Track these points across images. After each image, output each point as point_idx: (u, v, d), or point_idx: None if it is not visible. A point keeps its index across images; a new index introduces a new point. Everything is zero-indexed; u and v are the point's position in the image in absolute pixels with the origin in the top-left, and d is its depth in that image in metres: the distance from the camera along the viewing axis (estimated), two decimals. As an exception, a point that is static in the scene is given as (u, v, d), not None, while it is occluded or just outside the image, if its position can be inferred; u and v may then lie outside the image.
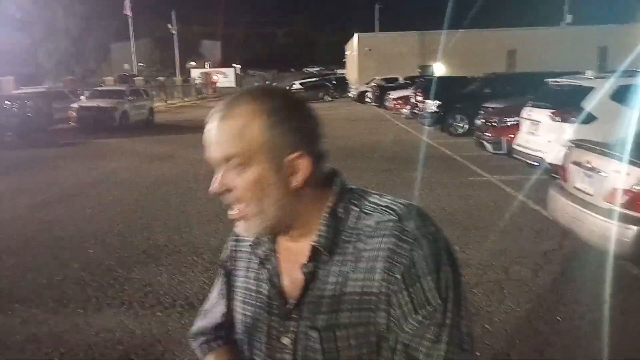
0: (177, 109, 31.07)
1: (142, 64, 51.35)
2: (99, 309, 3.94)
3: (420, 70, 36.76)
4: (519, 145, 8.06)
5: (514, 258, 4.71)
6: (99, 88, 23.25)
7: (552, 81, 8.16)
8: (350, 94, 35.57)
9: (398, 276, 0.83)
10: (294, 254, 0.94)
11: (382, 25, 50.14)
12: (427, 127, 14.82)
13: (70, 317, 3.83)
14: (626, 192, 3.77)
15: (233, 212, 0.91)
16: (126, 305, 3.99)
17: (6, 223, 6.39)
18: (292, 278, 0.93)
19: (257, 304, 0.97)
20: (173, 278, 4.51)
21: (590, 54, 35.79)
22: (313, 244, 0.89)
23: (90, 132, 16.66)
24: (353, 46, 46.01)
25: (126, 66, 50.98)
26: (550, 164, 6.68)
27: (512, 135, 8.73)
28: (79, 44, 38.66)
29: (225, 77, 56.05)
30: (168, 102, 34.28)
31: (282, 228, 0.92)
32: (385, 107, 24.33)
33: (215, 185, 0.90)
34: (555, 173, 5.55)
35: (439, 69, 35.13)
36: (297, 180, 0.88)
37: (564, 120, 7.04)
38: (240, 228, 0.93)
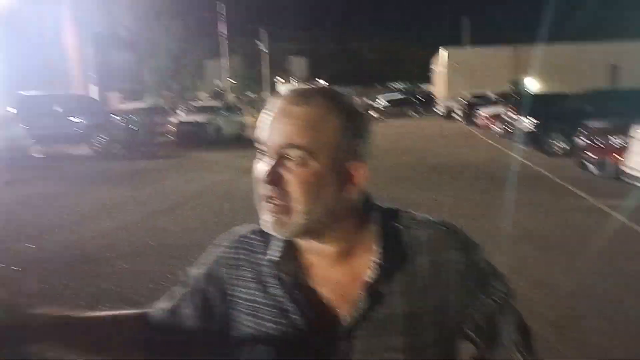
0: (266, 123, 32.02)
1: (232, 80, 53.70)
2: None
3: (512, 86, 35.45)
4: (628, 167, 7.54)
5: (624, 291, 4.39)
6: (195, 104, 24.60)
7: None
8: (436, 111, 34.99)
9: (471, 283, 0.89)
10: (335, 271, 0.90)
11: (470, 39, 49.05)
12: (521, 146, 14.23)
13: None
14: None
15: (271, 205, 0.84)
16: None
17: (120, 231, 6.88)
18: (334, 297, 0.88)
19: (281, 321, 0.89)
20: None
21: None
22: (376, 261, 0.86)
23: (188, 145, 17.66)
24: (440, 61, 45.32)
25: (217, 82, 53.52)
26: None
27: (620, 157, 8.18)
28: (176, 62, 41.22)
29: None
30: (257, 117, 35.48)
31: (315, 235, 0.87)
32: (474, 124, 23.66)
33: (267, 172, 0.83)
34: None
35: (532, 84, 33.70)
36: (352, 190, 0.87)
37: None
38: (270, 224, 0.86)
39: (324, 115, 0.84)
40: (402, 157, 13.73)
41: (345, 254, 0.90)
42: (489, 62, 40.02)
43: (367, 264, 0.87)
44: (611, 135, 9.17)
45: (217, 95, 38.69)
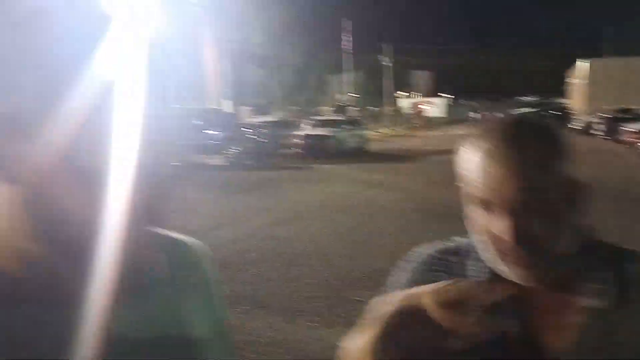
0: (388, 137, 32.04)
1: (354, 94, 54.56)
2: (329, 325, 4.15)
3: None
4: None
5: None
6: (319, 117, 25.32)
7: None
8: (574, 126, 32.52)
9: None
10: (545, 295, 0.83)
11: (606, 50, 45.03)
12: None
13: (302, 328, 4.11)
14: None
15: (520, 259, 0.78)
16: (353, 325, 4.13)
17: (248, 237, 7.21)
18: (541, 320, 0.83)
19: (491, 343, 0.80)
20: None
21: None
22: (600, 289, 0.80)
23: (312, 157, 18.19)
24: (579, 73, 42.14)
25: (338, 96, 54.73)
26: None
27: None
28: (302, 77, 42.86)
29: (435, 107, 56.27)
30: (380, 131, 35.62)
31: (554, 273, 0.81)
32: (617, 141, 21.62)
33: (512, 229, 0.75)
34: None
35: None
36: (581, 217, 0.81)
37: None
38: (521, 277, 0.79)
39: (554, 152, 0.77)
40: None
41: (560, 280, 0.83)
42: (635, 74, 36.41)
43: (586, 292, 0.81)
44: None
45: (340, 109, 39.45)
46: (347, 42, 43.98)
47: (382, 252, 6.17)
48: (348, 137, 20.95)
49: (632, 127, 20.35)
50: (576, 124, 31.99)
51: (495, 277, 0.83)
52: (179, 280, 0.76)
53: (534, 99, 74.26)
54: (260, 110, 30.04)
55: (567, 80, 51.75)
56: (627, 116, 24.45)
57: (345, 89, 49.83)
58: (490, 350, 0.81)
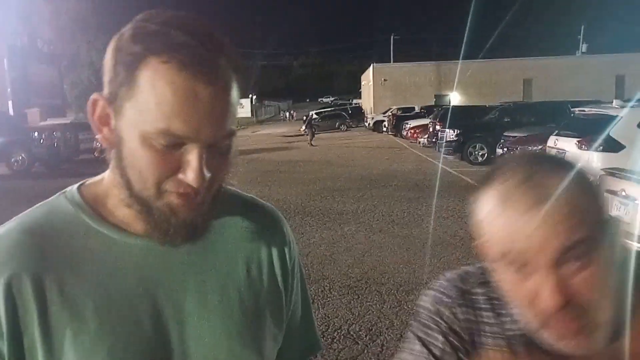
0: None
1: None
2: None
3: (436, 100, 37.01)
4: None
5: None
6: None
7: (578, 110, 8.22)
8: (366, 124, 35.88)
9: None
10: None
11: (398, 55, 50.84)
12: (445, 156, 14.87)
13: None
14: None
15: (571, 330, 0.67)
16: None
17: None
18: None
19: None
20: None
21: (608, 82, 35.78)
22: None
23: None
24: (369, 76, 46.59)
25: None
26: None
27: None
28: (100, 76, 39.70)
29: (242, 108, 56.87)
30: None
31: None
32: (402, 136, 24.47)
33: (552, 293, 0.65)
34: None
35: (455, 98, 35.36)
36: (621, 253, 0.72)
37: (591, 148, 7.06)
38: (571, 347, 0.68)
39: (584, 198, 0.68)
40: (336, 170, 13.93)
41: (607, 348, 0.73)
42: (415, 77, 41.54)
43: None
44: (529, 145, 9.80)
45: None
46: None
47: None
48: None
49: (412, 123, 23.22)
50: (368, 122, 35.36)
51: (529, 340, 0.74)
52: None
53: (333, 99, 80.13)
54: (52, 112, 27.02)
55: (362, 83, 56.84)
56: (408, 114, 27.78)
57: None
58: None
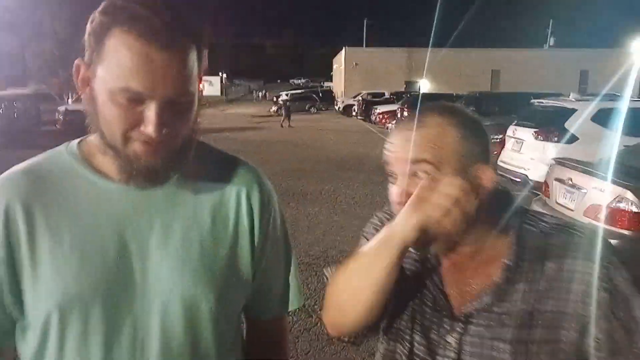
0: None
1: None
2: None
3: (405, 86, 37.29)
4: (503, 162, 8.32)
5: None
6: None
7: (536, 102, 8.47)
8: (336, 107, 35.89)
9: (599, 300, 0.86)
10: (465, 268, 0.96)
11: (370, 40, 50.82)
12: (412, 142, 15.08)
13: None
14: (605, 208, 3.99)
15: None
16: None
17: None
18: (462, 288, 0.96)
19: (419, 300, 1.00)
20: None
21: (572, 76, 36.80)
22: (506, 262, 0.91)
23: (76, 135, 16.53)
24: (340, 60, 46.51)
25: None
26: (533, 180, 6.93)
27: (497, 153, 9.00)
28: (64, 47, 38.41)
29: (211, 86, 56.02)
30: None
31: (454, 243, 0.94)
32: (371, 121, 24.60)
33: (397, 193, 0.91)
34: (538, 189, 5.79)
35: (425, 85, 35.72)
36: (482, 193, 0.90)
37: (546, 139, 7.31)
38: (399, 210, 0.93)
39: (441, 131, 0.89)
40: (303, 151, 14.00)
41: (475, 252, 0.95)
42: (386, 63, 41.67)
43: (497, 263, 0.92)
44: (490, 134, 10.03)
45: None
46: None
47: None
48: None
49: (381, 109, 23.37)
50: (338, 106, 35.34)
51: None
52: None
53: (304, 81, 79.63)
54: (13, 81, 26.13)
55: (334, 66, 56.68)
56: (378, 99, 27.92)
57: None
58: (413, 298, 1.00)
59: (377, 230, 0.97)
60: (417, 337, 0.98)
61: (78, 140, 0.97)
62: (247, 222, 0.97)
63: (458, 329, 0.93)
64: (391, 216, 1.01)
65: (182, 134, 0.87)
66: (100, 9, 0.83)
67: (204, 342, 0.93)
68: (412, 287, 1.00)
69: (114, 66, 0.79)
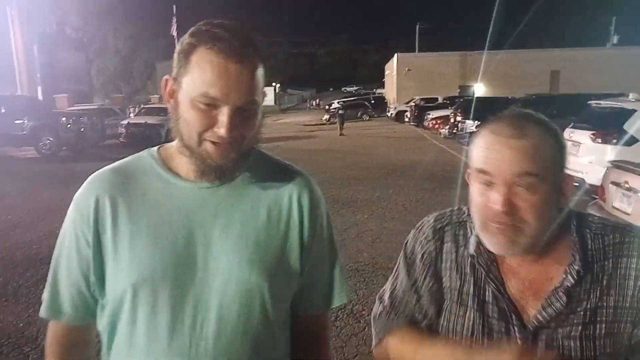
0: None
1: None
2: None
3: (460, 91, 36.60)
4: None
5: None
6: (146, 105, 24.24)
7: (594, 103, 8.17)
8: (388, 114, 35.72)
9: None
10: (528, 274, 1.01)
11: (423, 45, 50.25)
12: (466, 147, 14.82)
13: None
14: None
15: (503, 228, 0.94)
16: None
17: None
18: (527, 295, 1.00)
19: (480, 308, 1.03)
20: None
21: (638, 75, 34.92)
22: (576, 267, 0.96)
23: (138, 147, 17.28)
24: (392, 66, 46.29)
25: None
26: (590, 184, 6.69)
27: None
28: (127, 63, 40.29)
29: (265, 96, 56.86)
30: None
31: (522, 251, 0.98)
32: (423, 127, 24.35)
33: (502, 203, 0.92)
34: (595, 193, 5.59)
35: (480, 89, 34.93)
36: (565, 201, 0.96)
37: (605, 141, 7.04)
38: (502, 245, 0.96)
39: (544, 141, 0.93)
40: (354, 158, 14.05)
41: (538, 258, 1.00)
42: (439, 68, 41.13)
43: (561, 268, 0.98)
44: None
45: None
46: (175, 28, 42.33)
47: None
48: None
49: (434, 114, 23.10)
50: (390, 112, 35.16)
51: (482, 248, 1.02)
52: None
53: (356, 89, 79.61)
54: (80, 98, 27.67)
55: (386, 72, 56.45)
56: (430, 105, 27.57)
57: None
58: (475, 307, 1.03)
59: (433, 243, 1.08)
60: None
61: (158, 146, 1.15)
62: (297, 221, 1.10)
63: (528, 336, 0.98)
64: (460, 224, 1.08)
65: (247, 139, 1.02)
66: (189, 32, 1.00)
67: (255, 325, 1.04)
68: (473, 297, 1.04)
69: (197, 76, 0.96)
